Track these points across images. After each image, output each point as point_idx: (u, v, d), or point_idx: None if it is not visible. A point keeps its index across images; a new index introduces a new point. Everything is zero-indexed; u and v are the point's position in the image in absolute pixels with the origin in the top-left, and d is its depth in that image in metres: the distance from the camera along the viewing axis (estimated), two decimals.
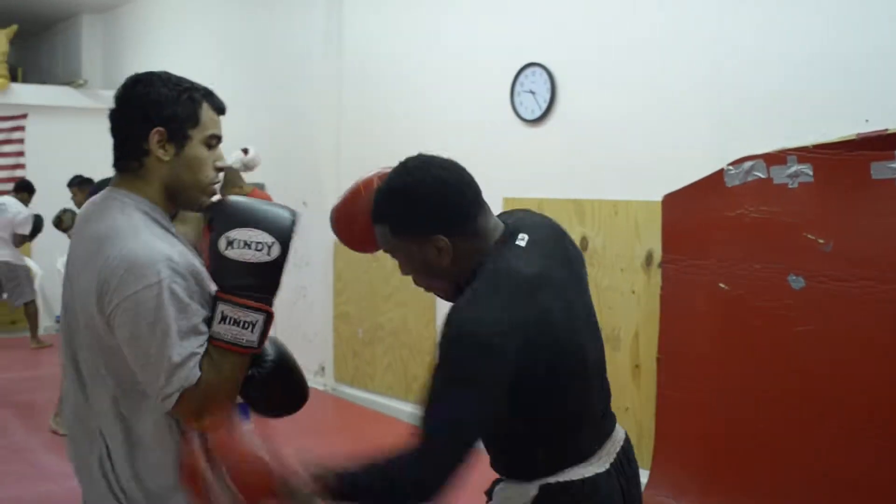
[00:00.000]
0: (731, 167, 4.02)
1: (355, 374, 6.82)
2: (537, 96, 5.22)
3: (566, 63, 5.09)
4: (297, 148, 7.33)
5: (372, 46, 6.70)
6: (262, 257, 1.68)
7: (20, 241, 8.45)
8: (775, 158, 3.86)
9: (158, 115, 1.76)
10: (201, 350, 1.70)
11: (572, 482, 1.84)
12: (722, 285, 4.06)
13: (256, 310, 1.69)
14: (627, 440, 2.01)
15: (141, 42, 10.39)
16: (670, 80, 4.53)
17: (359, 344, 6.75)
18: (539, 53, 5.22)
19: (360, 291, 6.67)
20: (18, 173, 9.75)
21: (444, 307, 6.02)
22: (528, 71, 5.28)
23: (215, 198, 1.83)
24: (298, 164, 7.28)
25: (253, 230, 1.69)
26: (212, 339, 1.70)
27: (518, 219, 1.91)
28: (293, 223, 1.76)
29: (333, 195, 6.93)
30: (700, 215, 4.19)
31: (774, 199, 3.87)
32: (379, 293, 6.46)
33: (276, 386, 1.91)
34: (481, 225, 1.83)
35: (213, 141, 1.82)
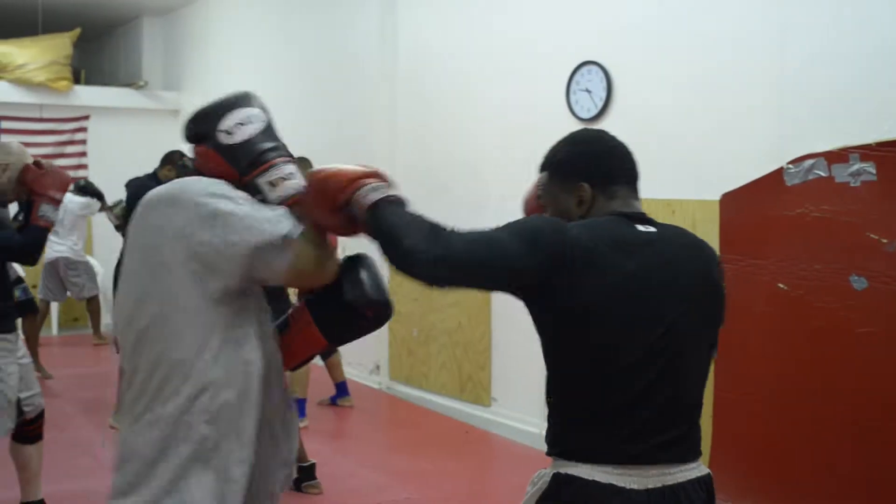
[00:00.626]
0: (790, 166, 3.96)
1: (410, 372, 6.85)
2: (593, 95, 5.19)
3: (622, 61, 5.06)
4: (351, 147, 7.38)
5: (426, 46, 6.72)
6: (258, 126, 1.87)
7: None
8: (837, 156, 3.79)
9: None
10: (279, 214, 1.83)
11: (578, 478, 1.78)
12: (781, 286, 4.00)
13: (286, 162, 1.87)
14: (698, 485, 1.86)
15: (200, 44, 10.53)
16: (729, 78, 4.47)
17: (414, 343, 6.78)
18: (595, 51, 5.19)
19: (415, 291, 6.68)
20: (81, 173, 9.94)
21: (498, 308, 6.01)
22: (584, 69, 5.25)
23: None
24: (353, 161, 7.32)
25: (239, 111, 1.88)
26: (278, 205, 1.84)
27: (661, 223, 1.95)
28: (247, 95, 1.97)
29: None
30: (759, 214, 4.14)
31: (836, 198, 3.80)
32: (434, 293, 6.46)
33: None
34: (621, 196, 1.93)
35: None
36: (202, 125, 1.87)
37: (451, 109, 6.41)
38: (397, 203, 1.81)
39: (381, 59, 7.10)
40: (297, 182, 1.86)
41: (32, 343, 7.55)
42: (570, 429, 1.84)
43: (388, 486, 4.95)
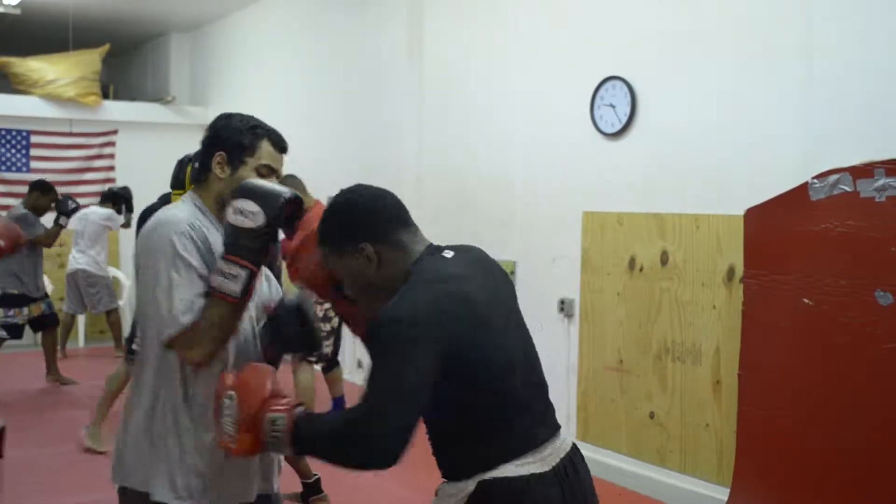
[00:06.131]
0: (815, 180, 3.95)
1: None
2: (617, 110, 5.20)
3: (646, 76, 5.07)
4: (378, 160, 7.42)
5: (453, 61, 6.76)
6: (248, 223, 2.01)
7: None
8: (862, 171, 3.78)
9: (224, 142, 2.19)
10: (196, 298, 2.03)
11: (507, 478, 1.93)
12: (806, 301, 3.99)
13: (242, 266, 2.00)
14: (575, 450, 2.10)
15: (227, 60, 10.64)
16: (753, 93, 4.48)
17: None
18: (619, 66, 5.21)
19: None
20: (109, 187, 10.06)
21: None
22: (608, 84, 5.26)
23: None
24: (379, 176, 7.31)
25: (248, 201, 2.01)
26: (210, 288, 2.02)
27: (448, 244, 2.13)
28: (285, 202, 2.07)
29: (414, 207, 6.97)
30: (783, 230, 4.13)
31: (861, 213, 3.78)
32: None
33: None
34: (403, 239, 2.08)
35: (264, 170, 2.20)
36: (236, 190, 2.06)
37: (476, 125, 6.44)
38: (308, 416, 1.97)
39: (408, 75, 7.15)
40: (229, 286, 2.01)
41: (51, 355, 7.73)
42: (474, 443, 1.98)
43: (411, 500, 4.96)
